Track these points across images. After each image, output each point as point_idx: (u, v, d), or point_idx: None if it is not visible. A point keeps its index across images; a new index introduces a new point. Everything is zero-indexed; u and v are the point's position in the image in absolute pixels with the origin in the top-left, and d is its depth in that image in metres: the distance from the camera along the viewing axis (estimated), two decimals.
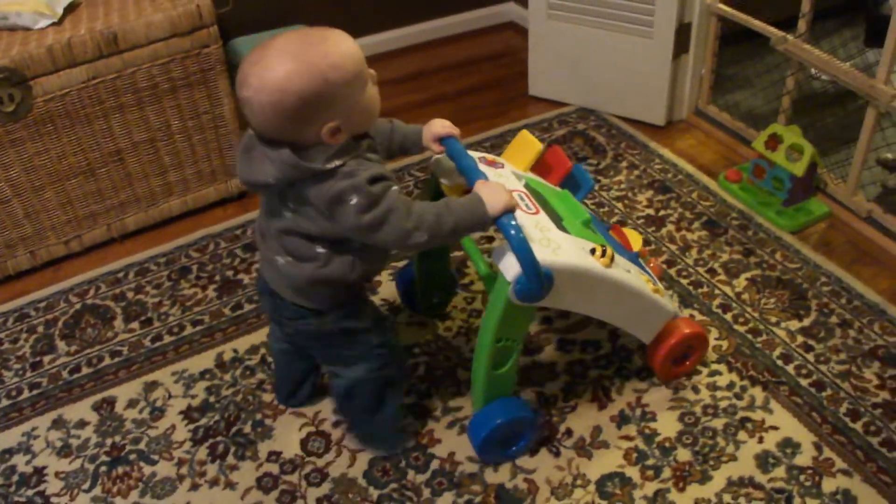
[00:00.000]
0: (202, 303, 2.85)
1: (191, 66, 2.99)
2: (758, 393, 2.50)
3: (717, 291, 2.83)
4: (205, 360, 2.65)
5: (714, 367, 2.58)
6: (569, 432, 2.39)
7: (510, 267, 1.99)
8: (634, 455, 2.33)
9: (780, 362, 2.59)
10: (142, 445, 2.41)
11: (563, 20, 3.60)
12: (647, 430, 2.39)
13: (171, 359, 2.67)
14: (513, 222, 1.95)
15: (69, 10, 2.94)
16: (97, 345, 2.73)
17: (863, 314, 2.75)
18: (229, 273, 2.96)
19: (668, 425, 2.41)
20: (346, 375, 2.21)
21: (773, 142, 3.14)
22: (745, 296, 2.82)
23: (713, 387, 2.52)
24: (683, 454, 2.33)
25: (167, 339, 2.73)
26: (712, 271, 2.92)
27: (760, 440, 2.37)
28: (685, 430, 2.40)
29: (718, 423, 2.41)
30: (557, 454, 2.34)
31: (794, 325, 2.71)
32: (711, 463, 2.31)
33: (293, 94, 1.77)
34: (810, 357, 2.61)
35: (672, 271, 2.92)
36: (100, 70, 2.84)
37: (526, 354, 2.61)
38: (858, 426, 2.41)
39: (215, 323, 2.78)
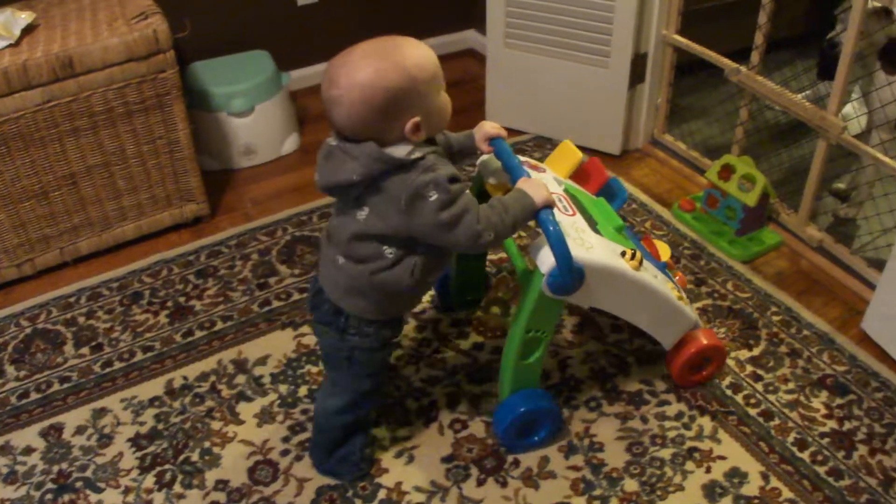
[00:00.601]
0: (153, 329, 2.84)
1: (147, 91, 2.98)
2: (706, 423, 2.51)
3: None
4: (154, 387, 2.64)
5: (663, 396, 2.59)
6: (516, 462, 2.39)
7: (545, 260, 2.12)
8: (581, 485, 2.33)
9: (728, 392, 2.61)
10: (88, 473, 2.39)
11: (520, 49, 3.61)
12: (594, 460, 2.40)
13: (120, 385, 2.65)
14: (551, 217, 2.09)
15: (26, 31, 2.92)
16: (46, 370, 2.71)
17: (812, 343, 2.78)
18: (181, 299, 2.95)
19: (615, 455, 2.41)
20: (328, 399, 2.28)
21: (726, 172, 3.16)
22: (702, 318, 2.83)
23: (662, 416, 2.53)
24: (631, 484, 2.34)
25: (117, 365, 2.72)
26: None
27: (708, 470, 2.38)
28: (633, 460, 2.40)
29: (666, 453, 2.42)
30: (504, 484, 2.34)
31: (744, 354, 2.73)
32: (658, 493, 2.31)
33: (382, 90, 1.89)
34: (759, 386, 2.63)
35: None
36: (55, 93, 2.83)
37: (475, 383, 2.62)
38: (806, 456, 2.42)
39: (166, 349, 2.76)
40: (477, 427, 2.49)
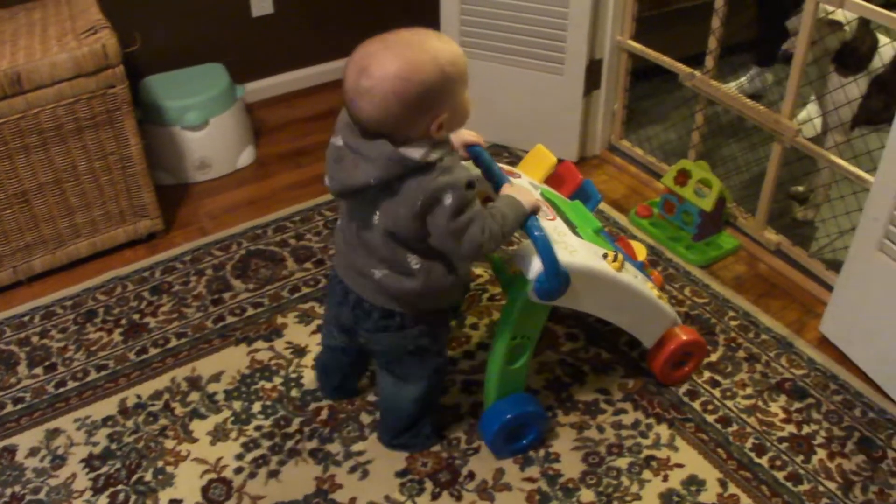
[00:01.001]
0: (107, 347, 2.80)
1: (97, 107, 2.95)
2: (663, 430, 2.50)
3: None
4: (108, 406, 2.60)
5: (619, 405, 2.58)
6: (471, 475, 2.38)
7: (531, 265, 2.12)
8: (537, 497, 2.32)
9: (686, 399, 2.60)
10: (41, 495, 2.35)
11: (475, 57, 3.59)
12: (550, 472, 2.38)
13: (74, 405, 2.61)
14: (536, 223, 2.10)
15: None
16: (0, 391, 2.67)
17: (770, 348, 2.77)
18: (136, 316, 2.92)
19: (571, 466, 2.40)
20: (401, 394, 2.31)
21: (683, 177, 3.16)
22: None
23: (618, 425, 2.51)
24: (587, 495, 2.32)
25: (71, 384, 2.68)
26: None
27: (665, 478, 2.37)
28: (589, 470, 2.39)
29: (623, 463, 2.41)
30: (459, 498, 2.32)
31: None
32: (615, 503, 2.30)
33: (417, 84, 1.85)
34: (717, 392, 2.62)
35: None
36: (3, 110, 2.79)
37: None
38: (764, 461, 2.42)
39: (120, 368, 2.73)
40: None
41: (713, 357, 2.74)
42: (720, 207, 3.15)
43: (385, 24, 4.35)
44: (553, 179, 2.57)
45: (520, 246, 2.18)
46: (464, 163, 2.32)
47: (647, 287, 2.46)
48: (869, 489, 2.36)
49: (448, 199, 1.91)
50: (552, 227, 2.22)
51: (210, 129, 3.55)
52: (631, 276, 2.39)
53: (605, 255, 2.30)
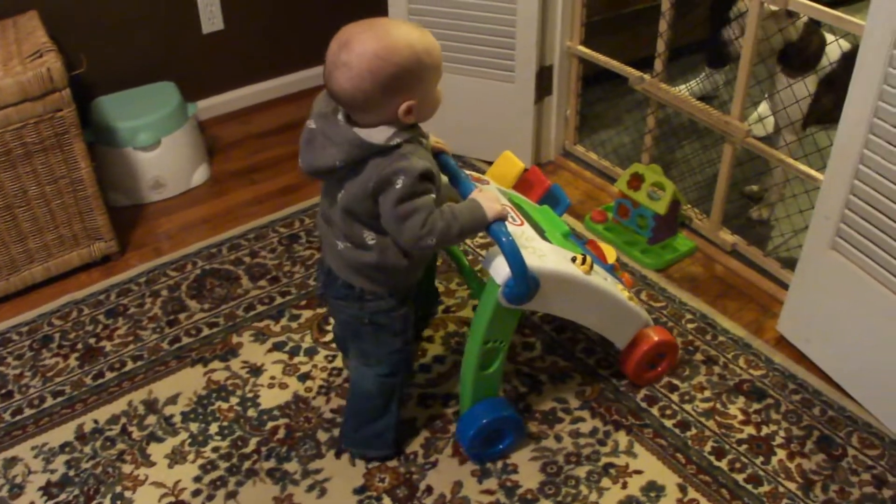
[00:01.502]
0: (63, 373, 2.77)
1: (44, 131, 2.92)
2: (621, 437, 2.50)
3: (580, 336, 2.82)
4: (65, 433, 2.58)
5: (577, 413, 2.57)
6: (429, 489, 2.37)
7: (500, 271, 2.15)
8: None
9: (644, 404, 2.60)
10: None
11: None
12: (508, 483, 2.37)
13: (31, 432, 2.58)
14: (503, 228, 2.12)
15: None
16: None
17: (727, 349, 2.78)
18: (92, 340, 2.89)
19: (529, 476, 2.39)
20: (365, 374, 2.34)
21: (636, 181, 3.16)
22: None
23: (576, 434, 2.51)
24: None
25: (27, 412, 2.65)
26: None
27: (624, 485, 2.37)
28: (547, 480, 2.38)
29: (581, 471, 2.40)
30: None
31: None
32: None
33: (392, 65, 1.93)
34: (675, 397, 2.62)
35: (536, 317, 2.92)
36: None
37: None
38: (723, 464, 2.42)
39: (76, 393, 2.70)
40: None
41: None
42: (674, 210, 3.15)
43: (335, 33, 4.38)
44: (521, 185, 2.60)
45: (489, 251, 2.21)
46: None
47: (617, 289, 2.48)
48: (829, 488, 2.36)
49: (398, 183, 1.98)
50: (520, 232, 2.24)
51: (162, 149, 3.53)
52: (600, 279, 2.41)
53: (573, 259, 2.32)
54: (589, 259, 2.35)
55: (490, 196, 2.18)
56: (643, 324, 2.58)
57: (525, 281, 2.13)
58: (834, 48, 3.04)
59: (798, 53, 3.03)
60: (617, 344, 2.59)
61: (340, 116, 2.03)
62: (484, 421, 2.34)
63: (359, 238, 2.12)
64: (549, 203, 2.57)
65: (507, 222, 2.17)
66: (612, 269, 2.60)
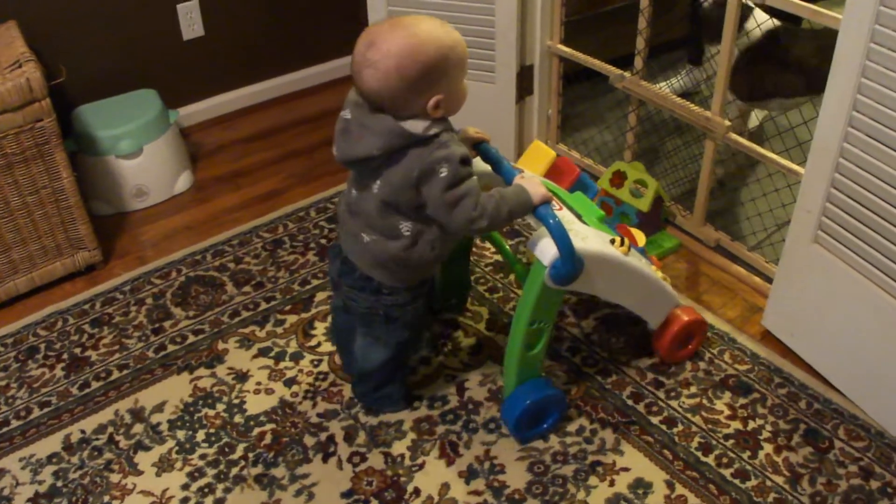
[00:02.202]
0: (49, 383, 2.77)
1: (25, 141, 2.91)
2: (608, 435, 2.50)
3: (565, 334, 2.83)
4: (52, 444, 2.57)
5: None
6: (417, 491, 2.36)
7: (546, 252, 2.21)
8: None
9: (630, 402, 2.60)
10: None
11: None
12: (496, 483, 2.37)
13: (18, 444, 2.58)
14: (550, 210, 2.19)
15: None
16: None
17: (713, 344, 2.78)
18: (77, 350, 2.88)
19: (517, 476, 2.39)
20: (370, 353, 2.45)
21: (618, 179, 3.16)
22: (595, 336, 2.83)
23: (562, 433, 2.51)
24: None
25: (14, 423, 2.64)
26: (560, 313, 2.92)
27: (612, 483, 2.37)
28: (535, 479, 2.38)
29: (568, 470, 2.40)
30: None
31: (645, 362, 2.73)
32: None
33: (419, 63, 2.00)
34: (661, 393, 2.62)
35: None
36: None
37: (372, 414, 2.59)
38: (710, 459, 2.42)
39: (63, 403, 2.69)
40: (376, 459, 2.46)
41: (656, 358, 2.74)
42: (657, 207, 3.15)
43: (315, 41, 4.39)
44: (552, 173, 2.65)
45: (535, 234, 2.27)
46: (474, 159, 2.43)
47: (652, 270, 2.57)
48: (817, 481, 2.36)
49: (443, 171, 2.04)
50: (561, 215, 2.28)
51: (145, 157, 3.52)
52: (638, 260, 2.49)
53: (612, 241, 2.40)
54: (627, 241, 2.44)
55: (534, 181, 2.25)
56: (675, 303, 2.66)
57: (572, 261, 2.20)
58: (759, 23, 3.07)
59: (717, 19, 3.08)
60: (651, 323, 2.66)
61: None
62: (528, 402, 2.39)
63: (392, 228, 2.18)
64: (579, 190, 2.64)
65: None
66: (643, 252, 2.66)
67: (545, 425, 2.49)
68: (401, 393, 2.56)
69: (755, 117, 3.76)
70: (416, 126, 2.05)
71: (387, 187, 2.11)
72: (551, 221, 2.17)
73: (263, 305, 3.02)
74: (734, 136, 2.95)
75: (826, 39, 3.10)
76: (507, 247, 2.67)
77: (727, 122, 2.93)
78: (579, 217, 2.42)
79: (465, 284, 2.97)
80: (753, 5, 3.10)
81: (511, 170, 2.33)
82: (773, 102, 3.35)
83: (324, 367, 2.76)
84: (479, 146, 2.42)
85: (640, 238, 2.74)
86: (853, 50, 2.26)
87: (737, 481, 2.36)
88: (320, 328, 2.90)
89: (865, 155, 2.32)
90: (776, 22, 3.11)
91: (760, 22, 3.14)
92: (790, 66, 3.14)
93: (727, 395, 2.61)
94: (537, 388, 2.42)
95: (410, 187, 2.08)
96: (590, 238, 2.31)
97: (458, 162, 2.06)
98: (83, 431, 2.60)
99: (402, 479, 2.40)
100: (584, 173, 2.68)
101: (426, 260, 2.23)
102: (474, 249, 3.16)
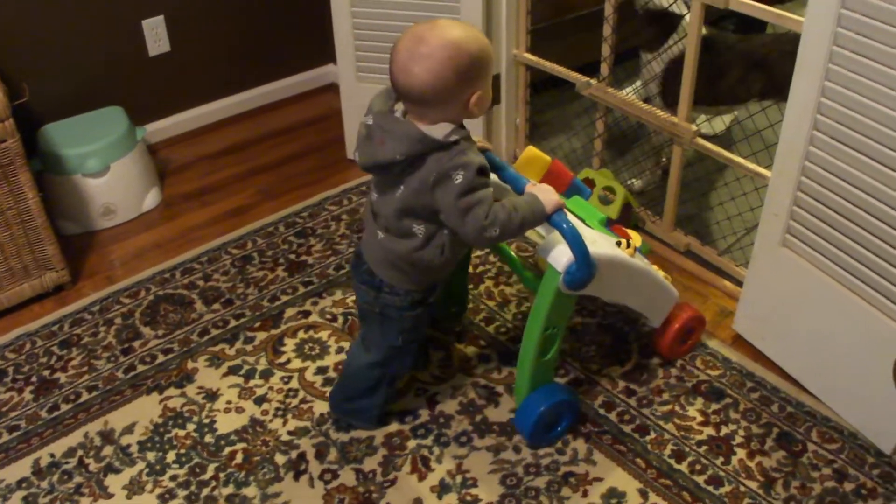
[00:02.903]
0: (18, 407, 2.74)
1: None
2: (580, 445, 2.49)
3: None
4: (21, 468, 2.54)
5: None
6: None
7: (560, 258, 2.22)
8: None
9: (602, 411, 2.60)
10: None
11: (372, 81, 3.57)
12: (468, 497, 2.36)
13: None
14: (564, 217, 2.20)
15: None
16: None
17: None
18: (46, 373, 2.86)
19: (489, 490, 2.38)
20: (359, 356, 2.46)
21: (587, 186, 3.15)
22: (565, 346, 2.81)
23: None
24: None
25: None
26: None
27: (585, 493, 2.36)
28: (507, 492, 2.37)
29: (541, 482, 2.39)
30: None
31: (616, 370, 2.73)
32: None
33: (469, 55, 2.03)
34: (633, 402, 2.62)
35: (491, 328, 2.92)
36: None
37: (343, 431, 2.58)
38: (684, 467, 2.42)
39: (32, 427, 2.66)
40: (347, 476, 2.44)
41: (628, 366, 2.74)
42: (626, 213, 3.15)
43: (281, 55, 4.38)
44: (548, 178, 2.64)
45: (545, 240, 2.29)
46: None
47: (654, 269, 2.60)
48: (791, 484, 2.37)
49: (458, 178, 2.06)
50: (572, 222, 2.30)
51: (112, 175, 3.50)
52: (643, 262, 2.53)
53: (618, 243, 2.43)
54: (631, 243, 2.46)
55: (546, 188, 2.26)
56: (676, 300, 2.69)
57: (588, 266, 2.21)
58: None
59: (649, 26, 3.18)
60: (654, 322, 2.70)
61: (398, 114, 2.12)
62: (542, 408, 2.40)
63: (406, 229, 2.20)
64: (574, 194, 2.65)
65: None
66: (641, 253, 2.66)
67: (559, 429, 2.51)
68: (375, 412, 2.53)
69: (722, 121, 3.76)
70: (438, 132, 2.06)
71: (407, 193, 2.13)
72: (565, 226, 2.18)
73: (233, 323, 3.00)
74: (701, 140, 2.95)
75: (755, 47, 3.14)
76: (514, 254, 2.72)
77: (694, 128, 2.93)
78: (583, 221, 2.44)
79: (464, 293, 2.97)
80: (684, 14, 3.12)
81: (517, 177, 2.34)
82: (699, 110, 3.34)
83: (294, 383, 2.74)
84: (482, 155, 2.39)
85: (637, 239, 2.73)
86: (816, 53, 2.27)
87: (710, 488, 2.36)
88: (290, 344, 2.89)
89: (831, 157, 2.32)
90: (706, 30, 3.11)
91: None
92: (716, 74, 3.14)
93: (699, 401, 2.61)
94: (550, 394, 2.43)
95: (427, 190, 2.10)
96: (598, 242, 2.33)
97: (476, 170, 2.07)
98: (52, 455, 2.58)
99: (374, 495, 2.39)
100: (576, 178, 2.69)
101: (435, 264, 2.24)
102: None
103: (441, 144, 2.06)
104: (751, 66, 3.12)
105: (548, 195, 2.22)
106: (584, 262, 2.20)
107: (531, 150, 2.66)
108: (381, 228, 2.25)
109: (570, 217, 2.28)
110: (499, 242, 2.45)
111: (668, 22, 3.19)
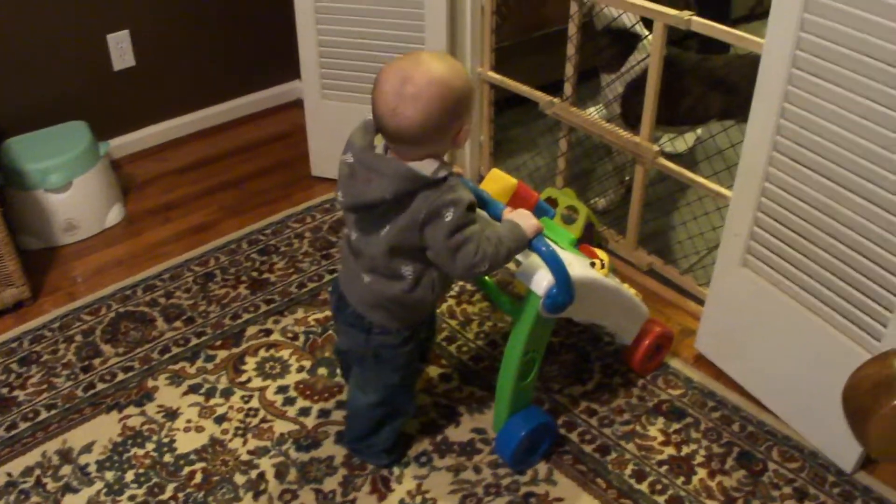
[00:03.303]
0: None
1: None
2: (540, 465, 2.49)
3: (497, 364, 2.79)
4: None
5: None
6: None
7: (540, 283, 2.23)
8: None
9: (563, 431, 2.60)
10: None
11: (336, 98, 3.58)
12: None
13: None
14: (544, 241, 2.20)
15: None
16: None
17: (646, 370, 2.78)
18: (4, 390, 2.83)
19: None
20: (358, 399, 2.41)
21: (549, 205, 3.15)
22: None
23: (495, 464, 2.50)
24: None
25: None
26: (493, 343, 2.92)
27: None
28: None
29: (501, 502, 2.39)
30: None
31: (577, 390, 2.73)
32: None
33: (456, 90, 1.99)
34: (594, 421, 2.62)
35: (452, 347, 2.92)
36: None
37: (303, 451, 2.57)
38: (644, 486, 2.43)
39: None
40: (307, 496, 2.43)
41: (589, 386, 2.74)
42: (589, 232, 3.14)
43: (247, 71, 4.37)
44: (514, 200, 2.60)
45: (523, 265, 2.28)
46: None
47: (625, 288, 2.63)
48: None
49: (448, 216, 2.01)
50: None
51: (74, 190, 3.48)
52: (615, 281, 2.57)
53: (592, 264, 2.46)
54: (606, 263, 2.52)
55: (524, 213, 2.24)
56: (646, 317, 2.72)
57: (569, 290, 2.21)
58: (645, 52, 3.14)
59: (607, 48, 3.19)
60: (626, 339, 2.74)
61: (380, 149, 2.08)
62: (523, 433, 2.40)
63: (394, 270, 2.15)
64: (539, 215, 2.58)
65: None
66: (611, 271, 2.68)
67: (539, 451, 2.50)
68: (385, 445, 2.48)
69: (685, 141, 3.78)
70: (426, 168, 2.01)
71: (395, 231, 2.07)
72: (544, 249, 2.18)
73: (194, 341, 2.98)
74: (663, 160, 2.96)
75: (715, 67, 3.16)
76: (489, 279, 2.70)
77: (656, 147, 2.94)
78: (556, 243, 2.40)
79: (433, 320, 2.86)
80: (643, 35, 3.14)
81: (496, 204, 2.32)
82: (659, 130, 3.35)
83: (254, 402, 2.73)
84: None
85: (604, 257, 2.73)
86: (776, 75, 2.28)
87: None
88: (251, 363, 2.88)
89: (790, 178, 2.34)
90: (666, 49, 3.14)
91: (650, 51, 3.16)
92: (675, 94, 3.15)
93: (661, 421, 2.62)
94: (529, 419, 2.43)
95: (416, 228, 2.04)
96: (573, 264, 2.31)
97: (465, 207, 2.03)
98: (10, 475, 2.55)
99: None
100: (539, 199, 2.66)
101: (427, 301, 2.22)
102: None
103: (430, 182, 2.01)
104: (710, 87, 3.13)
105: (527, 220, 2.20)
106: (566, 285, 2.20)
107: (496, 173, 2.62)
108: (365, 270, 2.18)
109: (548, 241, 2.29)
110: (487, 275, 2.44)
111: (626, 43, 3.20)
